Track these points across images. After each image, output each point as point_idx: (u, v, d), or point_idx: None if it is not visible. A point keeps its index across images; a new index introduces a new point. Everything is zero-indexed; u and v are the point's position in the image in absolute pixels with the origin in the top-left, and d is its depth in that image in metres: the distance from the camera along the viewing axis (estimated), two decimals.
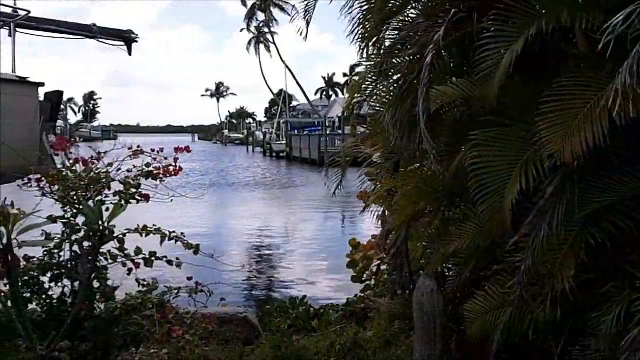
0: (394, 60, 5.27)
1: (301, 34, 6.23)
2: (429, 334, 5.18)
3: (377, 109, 5.76)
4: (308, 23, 6.17)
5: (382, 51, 5.67)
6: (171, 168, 5.65)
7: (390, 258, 7.07)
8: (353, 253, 8.65)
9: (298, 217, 24.62)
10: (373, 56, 5.73)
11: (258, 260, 16.55)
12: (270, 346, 6.03)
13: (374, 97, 5.77)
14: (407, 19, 5.44)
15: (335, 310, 7.68)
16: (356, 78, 6.28)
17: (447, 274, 5.91)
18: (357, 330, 6.64)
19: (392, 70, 5.36)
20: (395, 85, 5.31)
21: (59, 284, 5.33)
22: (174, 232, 5.35)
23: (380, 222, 7.30)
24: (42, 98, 8.29)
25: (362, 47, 5.85)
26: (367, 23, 5.66)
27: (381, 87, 5.70)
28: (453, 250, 4.85)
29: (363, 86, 5.97)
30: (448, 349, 5.37)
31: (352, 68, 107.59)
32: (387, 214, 6.81)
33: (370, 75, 5.76)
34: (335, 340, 6.41)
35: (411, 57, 4.81)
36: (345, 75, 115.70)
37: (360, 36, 5.75)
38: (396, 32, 5.51)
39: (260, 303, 11.11)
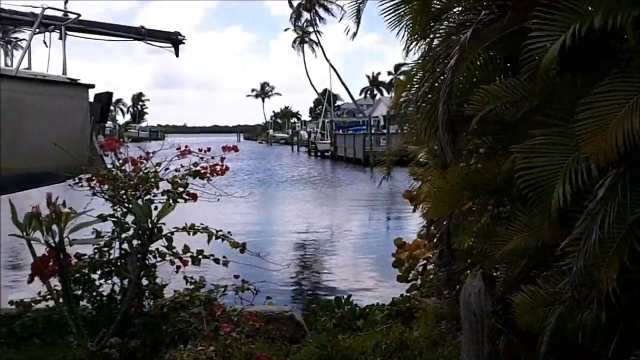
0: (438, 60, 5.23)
1: (348, 34, 6.20)
2: (476, 334, 5.10)
3: (425, 107, 5.71)
4: (359, 22, 6.13)
5: (428, 50, 5.63)
6: (218, 167, 5.71)
7: (437, 258, 7.02)
8: (399, 252, 8.60)
9: (343, 216, 24.60)
10: (420, 55, 5.68)
11: (303, 258, 16.60)
12: (316, 345, 6.03)
13: (420, 97, 5.73)
14: (452, 19, 5.39)
15: (381, 310, 7.63)
16: (402, 77, 6.24)
17: (494, 273, 5.83)
18: (403, 330, 6.60)
19: (437, 70, 5.32)
20: (437, 84, 5.28)
21: (109, 282, 5.42)
22: (220, 230, 5.40)
23: (426, 221, 7.24)
24: (92, 99, 8.46)
25: (408, 47, 5.81)
26: (413, 22, 5.62)
27: (426, 87, 5.66)
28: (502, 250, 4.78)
29: (409, 85, 5.93)
30: (496, 350, 5.29)
31: (397, 67, 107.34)
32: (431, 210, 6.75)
33: (415, 75, 5.72)
34: (381, 339, 6.38)
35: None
36: (390, 74, 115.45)
37: (408, 35, 5.71)
38: (442, 31, 5.46)
39: (306, 301, 11.15)
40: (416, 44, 5.61)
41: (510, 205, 5.19)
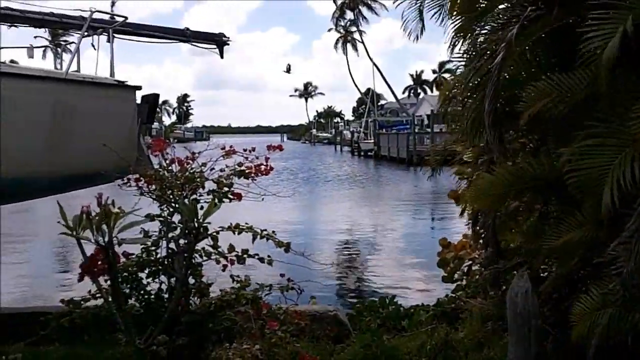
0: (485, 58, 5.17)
1: (408, 34, 6.15)
2: (523, 335, 5.03)
3: (470, 105, 5.65)
4: (423, 23, 6.09)
5: (473, 48, 5.57)
6: (262, 167, 5.73)
7: (483, 258, 6.95)
8: (444, 252, 8.52)
9: (387, 216, 24.50)
10: (465, 53, 5.62)
11: (347, 258, 16.59)
12: (360, 345, 6.02)
13: (465, 94, 5.67)
14: (497, 16, 5.32)
15: (426, 310, 7.58)
16: (446, 75, 6.17)
17: (541, 274, 5.74)
18: (448, 330, 6.53)
19: (482, 68, 5.26)
20: (483, 82, 5.21)
21: (156, 280, 5.49)
22: (265, 230, 5.42)
23: (472, 221, 7.17)
24: (139, 101, 8.60)
25: (453, 44, 5.76)
26: (458, 20, 5.57)
27: (472, 84, 5.59)
28: (550, 249, 4.70)
29: (454, 83, 5.88)
30: (544, 351, 5.20)
31: (442, 65, 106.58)
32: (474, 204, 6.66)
33: (460, 73, 5.66)
34: (425, 340, 6.33)
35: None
36: (434, 72, 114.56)
37: (453, 33, 5.66)
38: (488, 28, 5.40)
39: (350, 301, 11.14)
40: (462, 42, 5.56)
41: (558, 204, 5.10)
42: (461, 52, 5.72)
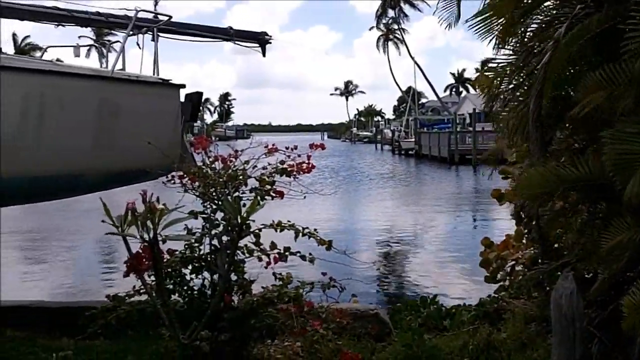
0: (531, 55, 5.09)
1: (447, 27, 6.08)
2: (567, 337, 4.94)
3: (514, 104, 5.58)
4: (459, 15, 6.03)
5: (517, 47, 5.49)
6: (304, 165, 5.74)
7: (526, 259, 6.86)
8: (486, 252, 8.42)
9: (428, 215, 24.34)
10: (509, 52, 5.55)
11: (388, 256, 16.54)
12: (401, 344, 5.99)
13: (509, 94, 5.60)
14: (543, 14, 5.23)
15: (468, 310, 7.50)
16: (488, 74, 6.08)
17: (586, 275, 5.63)
18: (491, 331, 6.45)
19: (527, 67, 5.18)
20: (529, 81, 5.13)
21: (199, 277, 5.55)
22: (307, 228, 5.44)
23: (515, 221, 7.08)
24: (183, 99, 8.70)
25: (497, 43, 5.68)
26: (502, 18, 5.49)
27: (515, 83, 5.52)
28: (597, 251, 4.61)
29: (496, 82, 5.80)
30: (588, 354, 5.10)
31: (484, 63, 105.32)
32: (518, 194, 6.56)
33: (504, 71, 5.58)
34: (467, 340, 6.27)
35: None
36: (477, 70, 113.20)
37: (496, 31, 5.59)
38: (533, 27, 5.32)
39: (391, 300, 11.10)
40: (507, 40, 5.48)
41: (606, 205, 5.00)
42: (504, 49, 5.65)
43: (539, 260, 6.20)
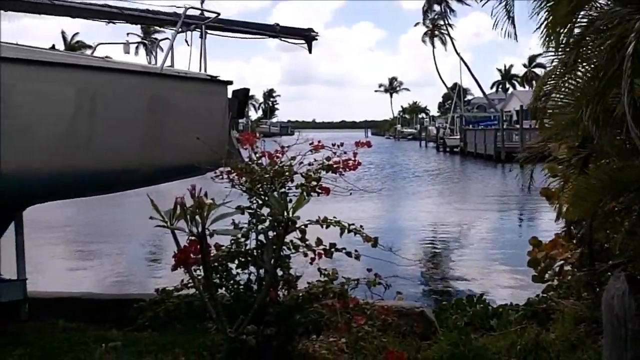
0: (586, 51, 4.95)
1: (498, 29, 5.98)
2: (618, 339, 4.83)
3: (566, 101, 5.45)
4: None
5: (570, 42, 5.36)
6: (350, 162, 5.74)
7: (577, 259, 6.73)
8: (534, 251, 8.28)
9: (473, 213, 24.08)
10: (560, 47, 5.42)
11: (432, 255, 16.43)
12: (447, 342, 5.94)
13: (562, 91, 5.47)
14: (599, 8, 5.09)
15: (515, 310, 7.39)
16: (537, 70, 5.96)
17: (638, 276, 5.49)
18: (539, 331, 6.35)
19: (584, 62, 5.05)
20: (586, 77, 5.00)
21: (245, 271, 5.60)
22: (352, 224, 5.43)
23: (564, 220, 6.94)
24: (230, 95, 8.77)
25: (546, 38, 5.56)
26: (553, 13, 5.36)
27: (570, 80, 5.39)
28: None
29: (552, 77, 5.68)
30: None
31: (532, 59, 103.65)
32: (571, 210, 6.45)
33: (557, 68, 5.46)
34: (515, 340, 6.18)
35: (609, 48, 4.48)
36: (524, 66, 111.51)
37: (545, 26, 5.46)
38: (587, 22, 5.18)
39: (436, 298, 11.03)
40: (559, 33, 5.36)
41: None
42: (556, 45, 5.52)
43: (588, 261, 6.08)
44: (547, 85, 5.72)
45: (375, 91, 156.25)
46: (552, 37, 5.46)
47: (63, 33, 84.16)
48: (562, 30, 5.18)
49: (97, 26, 9.08)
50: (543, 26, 5.45)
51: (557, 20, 5.26)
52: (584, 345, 5.91)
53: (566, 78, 5.19)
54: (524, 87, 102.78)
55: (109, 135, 7.02)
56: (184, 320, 5.73)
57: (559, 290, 7.48)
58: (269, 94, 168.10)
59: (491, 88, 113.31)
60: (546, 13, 5.38)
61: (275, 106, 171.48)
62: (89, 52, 15.11)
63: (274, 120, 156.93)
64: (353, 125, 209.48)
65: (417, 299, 9.93)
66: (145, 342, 6.06)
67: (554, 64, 5.64)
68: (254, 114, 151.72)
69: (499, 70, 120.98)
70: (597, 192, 4.92)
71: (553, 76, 5.62)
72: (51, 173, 6.65)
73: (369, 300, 5.44)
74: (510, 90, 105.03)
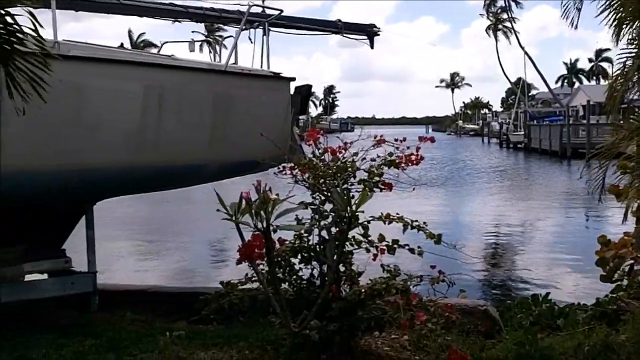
0: None
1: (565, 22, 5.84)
2: None
3: None
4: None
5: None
6: (412, 157, 5.70)
7: None
8: (602, 250, 8.06)
9: (537, 211, 23.57)
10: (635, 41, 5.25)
11: (496, 252, 16.19)
12: (512, 342, 5.83)
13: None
14: None
15: (583, 310, 7.20)
16: (603, 64, 5.80)
17: None
18: (608, 332, 6.17)
19: None
20: None
21: (308, 267, 5.63)
22: (415, 221, 5.39)
23: (635, 218, 6.73)
24: (292, 92, 8.83)
25: (616, 32, 5.41)
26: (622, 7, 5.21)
27: None
28: None
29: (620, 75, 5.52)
30: None
31: (598, 53, 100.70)
32: None
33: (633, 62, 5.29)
34: (583, 341, 6.02)
35: None
36: (590, 60, 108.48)
37: (614, 20, 5.31)
38: None
39: (500, 296, 10.85)
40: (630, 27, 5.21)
41: None
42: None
43: None
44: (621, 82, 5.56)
45: (436, 86, 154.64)
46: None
47: (130, 32, 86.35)
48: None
49: (162, 25, 9.29)
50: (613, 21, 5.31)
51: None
52: None
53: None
54: (591, 81, 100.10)
55: (175, 131, 7.18)
56: (247, 313, 5.81)
57: (629, 291, 7.27)
58: (329, 90, 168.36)
59: (556, 83, 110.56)
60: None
61: (335, 102, 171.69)
62: (154, 50, 15.48)
63: (334, 116, 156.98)
64: (413, 121, 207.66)
65: (479, 296, 9.80)
66: (211, 335, 6.17)
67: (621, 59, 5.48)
68: (314, 111, 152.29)
69: (565, 64, 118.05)
70: None
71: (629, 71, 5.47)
72: (121, 168, 6.84)
73: (432, 298, 5.38)
74: (577, 84, 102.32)
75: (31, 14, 4.09)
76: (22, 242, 7.08)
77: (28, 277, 7.27)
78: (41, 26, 4.18)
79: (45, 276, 7.48)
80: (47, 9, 6.15)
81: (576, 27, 5.86)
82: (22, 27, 4.11)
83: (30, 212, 7.14)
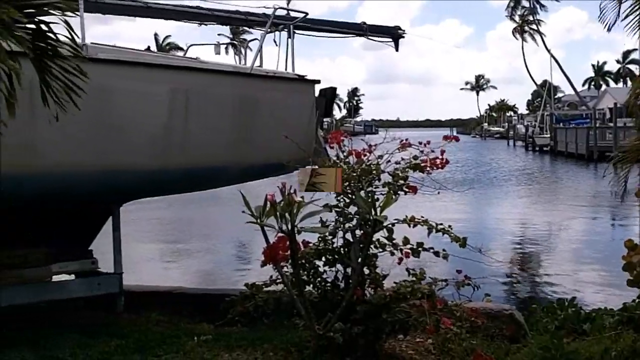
0: None
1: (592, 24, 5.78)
2: None
3: None
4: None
5: None
6: (438, 160, 5.69)
7: None
8: (629, 255, 7.94)
9: (563, 215, 23.30)
10: None
11: (521, 256, 16.04)
12: (538, 346, 5.78)
13: None
14: None
15: (610, 315, 7.11)
16: (630, 66, 5.72)
17: None
18: (636, 337, 6.09)
19: None
20: None
21: (332, 269, 5.63)
22: (440, 224, 5.37)
23: None
24: (317, 94, 8.84)
25: None
26: None
27: None
28: None
29: None
30: None
31: (626, 55, 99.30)
32: None
33: None
34: (609, 346, 5.94)
35: None
36: (618, 62, 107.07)
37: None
38: None
39: (525, 301, 10.75)
40: None
41: None
42: None
43: None
44: None
45: (461, 89, 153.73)
46: None
47: (156, 35, 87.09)
48: None
49: (188, 28, 9.38)
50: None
51: None
52: None
53: None
54: (618, 83, 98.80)
55: (201, 133, 7.22)
56: (271, 315, 5.83)
57: None
58: (354, 93, 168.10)
59: (583, 85, 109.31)
60: None
61: (360, 105, 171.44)
62: (180, 53, 15.59)
63: (358, 119, 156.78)
64: (438, 123, 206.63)
65: (503, 300, 9.72)
66: (235, 337, 6.19)
67: None
68: (338, 113, 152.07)
69: (593, 66, 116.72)
70: None
71: None
72: (147, 170, 6.90)
73: (457, 302, 5.36)
74: (604, 87, 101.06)
75: (66, 22, 4.11)
76: (51, 243, 7.16)
77: (55, 278, 7.36)
78: (74, 32, 4.20)
79: (72, 277, 7.57)
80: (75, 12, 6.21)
81: (609, 30, 5.78)
82: (57, 34, 4.13)
83: (58, 213, 7.23)
